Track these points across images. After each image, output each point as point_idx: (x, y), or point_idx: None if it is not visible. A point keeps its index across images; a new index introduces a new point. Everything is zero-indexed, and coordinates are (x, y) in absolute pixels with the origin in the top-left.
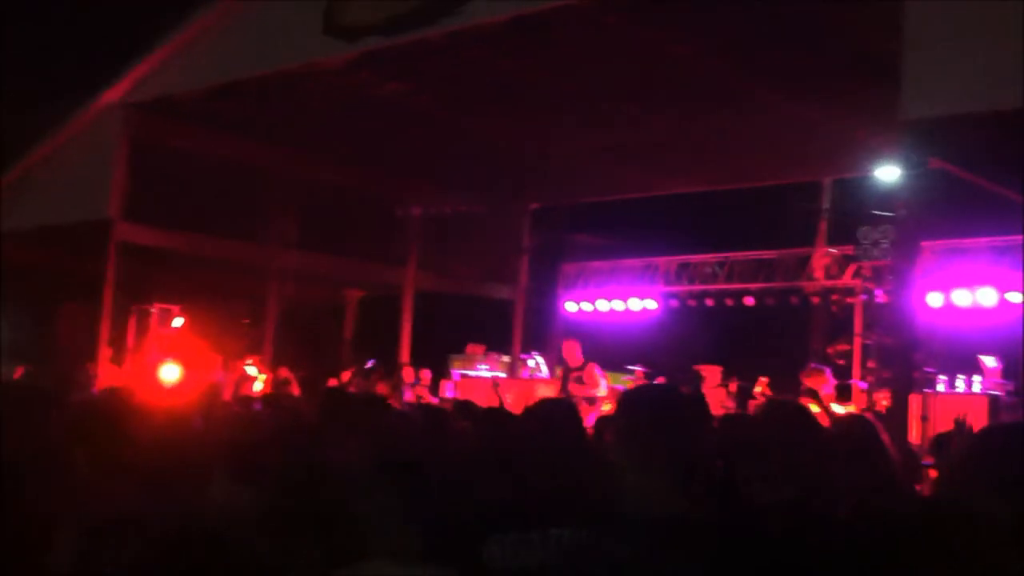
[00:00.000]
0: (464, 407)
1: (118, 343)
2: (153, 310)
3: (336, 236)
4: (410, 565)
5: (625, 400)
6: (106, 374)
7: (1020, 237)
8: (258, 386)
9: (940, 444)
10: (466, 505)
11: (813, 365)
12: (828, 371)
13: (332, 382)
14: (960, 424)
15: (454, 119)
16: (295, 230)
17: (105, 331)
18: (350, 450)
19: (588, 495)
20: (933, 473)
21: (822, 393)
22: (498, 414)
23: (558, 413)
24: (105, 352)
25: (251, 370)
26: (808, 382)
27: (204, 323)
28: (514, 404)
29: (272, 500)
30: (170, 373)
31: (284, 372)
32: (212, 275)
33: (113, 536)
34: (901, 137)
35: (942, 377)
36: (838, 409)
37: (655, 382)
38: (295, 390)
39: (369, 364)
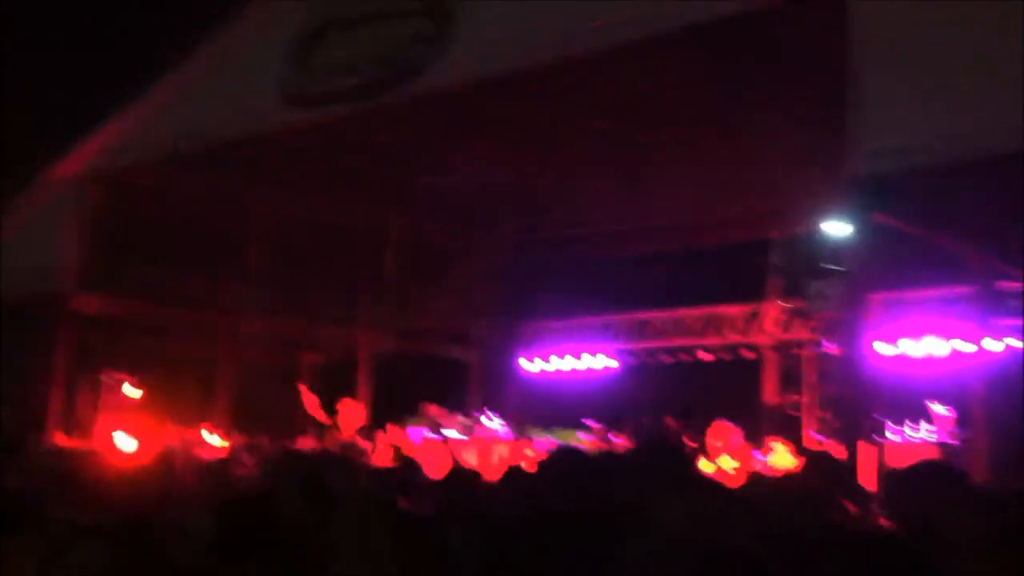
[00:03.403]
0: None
1: (70, 413)
2: (105, 379)
3: (291, 300)
4: None
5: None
6: (58, 444)
7: (967, 287)
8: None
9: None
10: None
11: (718, 421)
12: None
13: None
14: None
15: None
16: (249, 295)
17: (57, 401)
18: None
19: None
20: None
21: (728, 444)
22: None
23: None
24: (55, 422)
25: (207, 436)
26: (712, 437)
27: (157, 391)
28: (475, 464)
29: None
30: (123, 442)
31: (239, 438)
32: (165, 341)
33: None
34: (845, 193)
35: (895, 427)
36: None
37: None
38: (248, 457)
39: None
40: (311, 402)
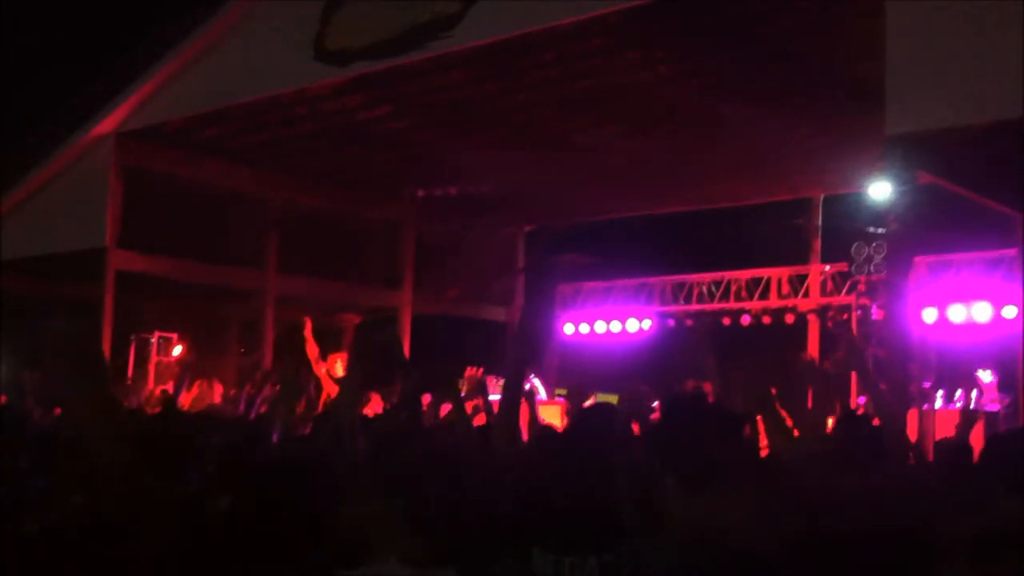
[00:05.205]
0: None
1: (118, 372)
2: (152, 338)
3: (331, 260)
4: (416, 568)
5: (667, 412)
6: None
7: (1013, 250)
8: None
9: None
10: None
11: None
12: None
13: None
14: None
15: (445, 143)
16: (290, 255)
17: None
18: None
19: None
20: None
21: None
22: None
23: (596, 423)
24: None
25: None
26: None
27: (202, 350)
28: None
29: (262, 507)
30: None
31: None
32: (208, 301)
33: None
34: (887, 153)
35: (939, 392)
36: None
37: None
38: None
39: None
40: (312, 354)
